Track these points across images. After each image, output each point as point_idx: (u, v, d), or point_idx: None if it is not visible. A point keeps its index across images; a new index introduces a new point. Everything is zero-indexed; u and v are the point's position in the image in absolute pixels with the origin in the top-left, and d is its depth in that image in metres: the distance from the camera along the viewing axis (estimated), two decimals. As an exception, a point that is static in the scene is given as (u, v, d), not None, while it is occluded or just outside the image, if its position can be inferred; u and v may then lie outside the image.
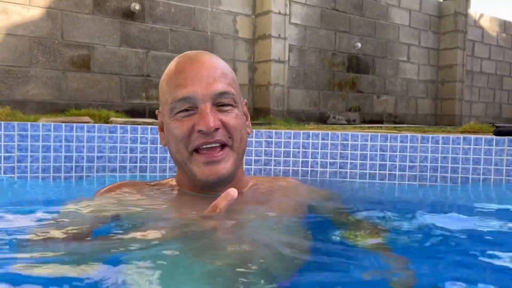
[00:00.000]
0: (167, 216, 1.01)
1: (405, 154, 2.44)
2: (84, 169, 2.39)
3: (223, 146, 1.02)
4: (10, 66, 4.24)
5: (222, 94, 1.01)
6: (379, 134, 2.50)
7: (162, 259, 0.75)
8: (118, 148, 2.45)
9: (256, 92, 5.87)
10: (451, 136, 2.45)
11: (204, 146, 1.00)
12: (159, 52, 5.08)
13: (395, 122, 7.13)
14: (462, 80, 7.86)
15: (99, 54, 4.72)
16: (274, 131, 2.55)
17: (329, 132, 2.53)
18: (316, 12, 6.35)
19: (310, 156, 2.49)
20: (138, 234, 0.83)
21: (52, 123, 2.37)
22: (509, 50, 8.94)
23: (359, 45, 6.70)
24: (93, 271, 0.70)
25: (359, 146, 2.48)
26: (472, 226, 1.25)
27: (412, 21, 7.52)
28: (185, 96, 0.99)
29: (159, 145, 2.47)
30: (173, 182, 1.18)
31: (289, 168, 2.50)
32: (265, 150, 2.51)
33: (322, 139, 2.50)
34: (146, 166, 2.48)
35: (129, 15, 4.86)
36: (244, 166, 1.99)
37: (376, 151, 2.46)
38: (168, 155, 2.29)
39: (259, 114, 5.67)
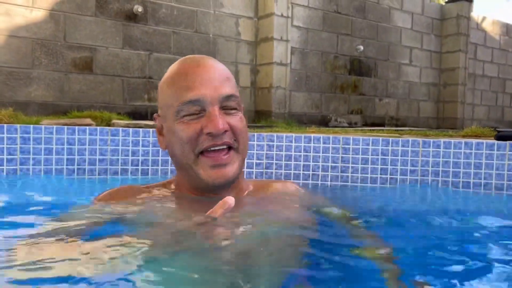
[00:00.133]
0: (165, 222, 1.01)
1: (407, 158, 2.44)
2: (86, 171, 2.40)
3: (229, 148, 1.03)
4: (13, 68, 4.25)
5: (229, 97, 1.03)
6: (381, 138, 2.50)
7: (157, 266, 0.75)
8: (120, 150, 2.45)
9: (258, 94, 5.87)
10: (452, 140, 2.45)
11: (211, 149, 1.01)
12: (162, 54, 5.09)
13: (397, 125, 7.13)
14: (464, 83, 7.85)
15: (102, 56, 4.73)
16: (275, 134, 2.56)
17: (331, 136, 2.53)
18: (319, 15, 6.36)
19: (311, 160, 2.50)
20: (134, 240, 0.83)
21: (54, 126, 2.38)
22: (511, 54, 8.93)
23: (361, 47, 6.70)
24: (90, 275, 0.70)
25: (360, 150, 2.48)
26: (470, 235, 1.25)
27: (415, 24, 7.52)
28: (194, 98, 1.00)
29: (160, 148, 2.47)
30: (172, 185, 1.17)
31: (290, 171, 2.50)
32: (266, 154, 2.51)
33: (324, 142, 2.50)
34: (148, 169, 2.48)
35: (132, 17, 4.87)
36: (246, 170, 1.99)
37: (378, 155, 2.46)
38: (170, 158, 2.29)
39: (261, 117, 5.67)
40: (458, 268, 0.87)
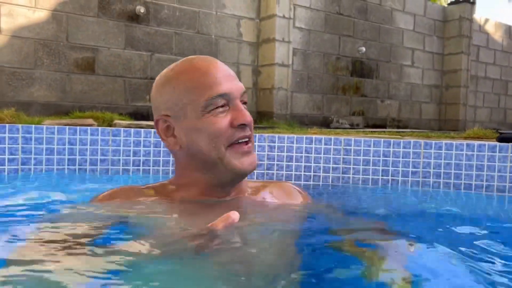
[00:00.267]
0: (164, 226, 1.01)
1: (408, 160, 2.43)
2: (88, 171, 2.40)
3: (249, 139, 1.09)
4: (15, 68, 4.26)
5: (245, 92, 1.09)
6: (382, 139, 2.49)
7: (155, 271, 0.75)
8: (121, 151, 2.46)
9: (259, 95, 5.87)
10: (454, 142, 2.44)
11: (241, 140, 1.06)
12: (164, 55, 5.10)
13: (398, 127, 7.12)
14: (466, 85, 7.84)
15: (104, 57, 4.74)
16: (277, 135, 2.55)
17: (332, 137, 2.53)
18: (321, 16, 6.36)
19: (313, 161, 2.49)
20: (132, 243, 0.82)
21: (56, 126, 2.39)
22: (514, 56, 8.92)
23: (363, 49, 6.70)
24: (88, 279, 0.70)
25: (362, 151, 2.47)
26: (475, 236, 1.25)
27: (417, 25, 7.52)
28: (222, 92, 1.03)
29: (162, 148, 2.47)
30: (172, 186, 1.15)
31: (291, 172, 2.50)
32: (268, 154, 2.51)
33: (325, 144, 2.50)
34: (149, 169, 2.48)
35: (134, 18, 4.88)
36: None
37: (379, 157, 2.46)
38: (171, 158, 2.30)
39: (263, 118, 5.67)
40: (458, 269, 0.87)
